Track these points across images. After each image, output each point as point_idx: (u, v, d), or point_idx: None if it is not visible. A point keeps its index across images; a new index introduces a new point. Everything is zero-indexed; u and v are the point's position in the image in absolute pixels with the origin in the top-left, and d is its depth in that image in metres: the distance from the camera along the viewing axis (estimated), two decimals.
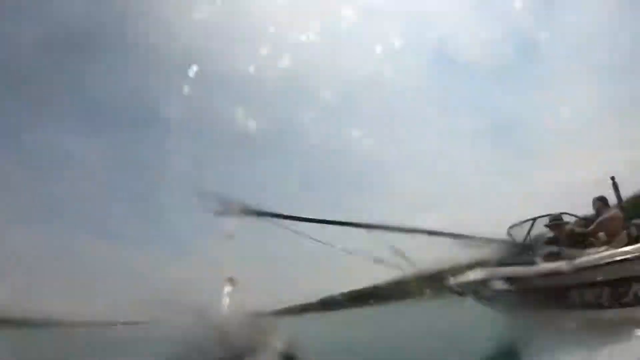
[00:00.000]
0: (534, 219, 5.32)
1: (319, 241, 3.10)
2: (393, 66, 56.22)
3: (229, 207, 2.32)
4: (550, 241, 4.44)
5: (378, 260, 3.57)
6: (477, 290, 5.04)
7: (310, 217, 2.81)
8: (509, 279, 4.07)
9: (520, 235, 5.10)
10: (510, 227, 5.25)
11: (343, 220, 3.28)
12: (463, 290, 5.31)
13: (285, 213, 2.64)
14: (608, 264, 3.22)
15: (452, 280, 5.24)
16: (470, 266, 4.57)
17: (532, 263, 3.99)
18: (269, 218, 2.56)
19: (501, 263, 4.42)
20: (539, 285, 3.67)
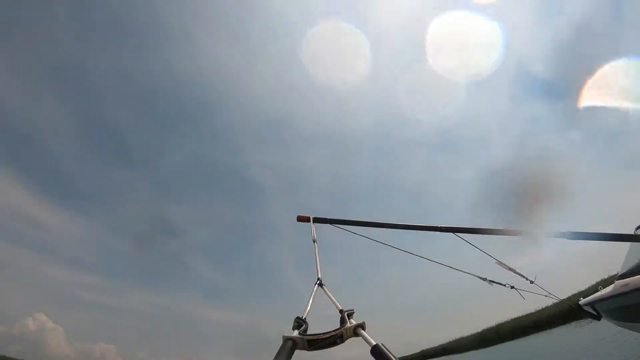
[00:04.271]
0: None
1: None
2: None
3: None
4: None
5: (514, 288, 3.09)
6: (613, 308, 4.00)
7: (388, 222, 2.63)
8: None
9: None
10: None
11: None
12: (597, 310, 4.33)
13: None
14: None
15: (584, 300, 4.43)
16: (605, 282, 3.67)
17: None
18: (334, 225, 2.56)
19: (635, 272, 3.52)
20: None
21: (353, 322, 1.03)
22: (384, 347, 0.85)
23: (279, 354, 0.88)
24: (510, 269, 2.88)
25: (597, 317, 4.19)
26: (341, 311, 1.14)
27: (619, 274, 4.10)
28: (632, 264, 3.92)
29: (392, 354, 0.83)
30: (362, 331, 0.99)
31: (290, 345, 0.93)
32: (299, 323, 1.09)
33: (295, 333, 1.00)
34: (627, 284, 3.41)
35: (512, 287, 3.04)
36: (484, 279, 3.00)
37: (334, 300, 1.42)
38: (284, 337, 0.97)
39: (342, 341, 1.00)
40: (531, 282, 3.08)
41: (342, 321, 1.06)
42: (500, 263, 2.84)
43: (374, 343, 0.88)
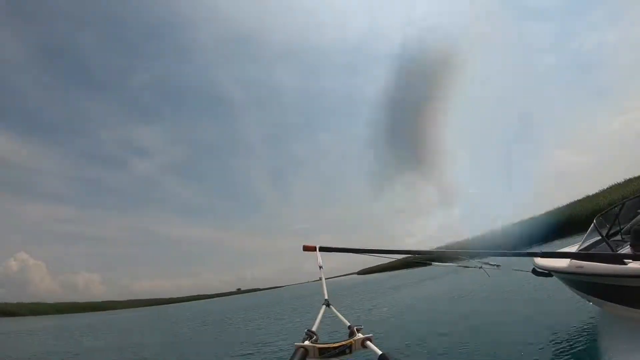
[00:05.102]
0: (623, 202, 4.74)
1: None
2: None
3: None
4: None
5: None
6: (565, 278, 4.84)
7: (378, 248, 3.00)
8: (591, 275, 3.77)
9: (607, 224, 4.61)
10: (598, 216, 4.79)
11: None
12: (550, 274, 5.13)
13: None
14: None
15: (539, 265, 5.10)
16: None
17: (619, 258, 3.60)
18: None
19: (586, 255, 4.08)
20: (628, 285, 3.34)
21: (361, 335, 1.12)
22: (390, 355, 0.93)
23: None
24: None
25: (550, 276, 5.00)
26: (350, 327, 1.23)
27: (578, 248, 4.74)
28: (588, 243, 4.63)
29: None
30: (370, 343, 1.08)
31: (301, 353, 0.99)
32: (310, 335, 1.15)
33: (307, 342, 1.06)
34: (581, 266, 3.88)
35: (480, 267, 3.73)
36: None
37: (341, 317, 1.54)
38: (296, 345, 1.03)
39: (351, 352, 1.07)
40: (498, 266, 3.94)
41: (351, 334, 1.14)
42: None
43: (380, 353, 0.95)
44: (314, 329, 1.23)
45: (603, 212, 4.94)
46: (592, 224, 4.52)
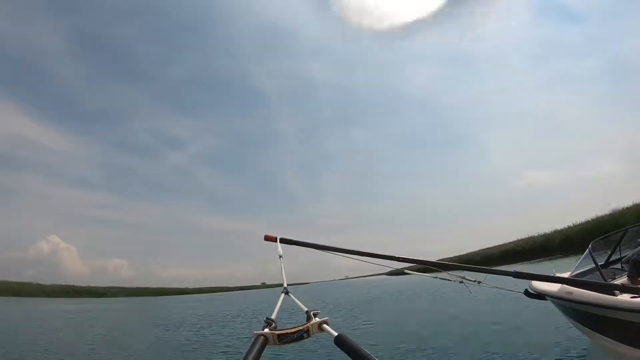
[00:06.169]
0: (626, 229, 4.45)
1: None
2: None
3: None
4: None
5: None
6: (556, 302, 4.56)
7: (342, 247, 2.84)
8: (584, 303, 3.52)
9: (606, 249, 4.33)
10: (595, 241, 4.48)
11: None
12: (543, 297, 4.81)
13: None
14: None
15: (533, 289, 4.78)
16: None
17: (610, 288, 3.33)
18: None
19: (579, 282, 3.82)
20: (615, 317, 3.08)
21: (318, 319, 1.14)
22: (346, 336, 0.95)
23: (251, 348, 0.94)
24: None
25: (543, 299, 4.63)
26: (307, 312, 1.25)
27: (570, 274, 4.54)
28: (580, 270, 4.45)
29: (353, 342, 0.94)
30: (326, 326, 1.11)
31: (261, 341, 1.00)
32: (269, 322, 1.16)
33: (266, 330, 1.07)
34: (570, 293, 3.71)
35: (461, 282, 3.31)
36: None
37: (299, 303, 1.56)
38: (255, 333, 1.04)
39: (309, 335, 1.09)
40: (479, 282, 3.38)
41: (308, 319, 1.17)
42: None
43: (336, 334, 0.98)
44: (272, 316, 1.25)
45: (602, 236, 4.64)
46: (587, 249, 4.24)
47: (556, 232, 37.37)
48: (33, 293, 65.30)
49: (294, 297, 1.73)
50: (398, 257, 3.01)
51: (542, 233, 40.08)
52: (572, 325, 4.88)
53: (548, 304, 4.92)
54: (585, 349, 5.55)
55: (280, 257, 2.44)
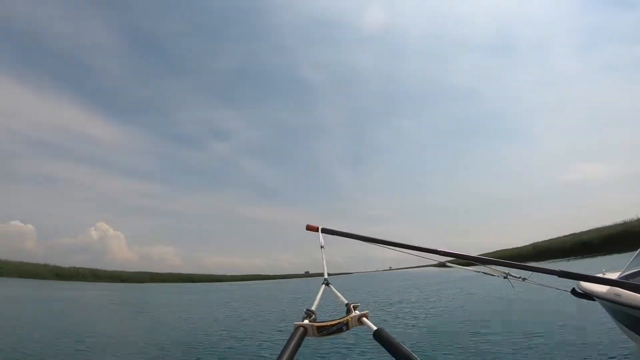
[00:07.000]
0: None
1: None
2: None
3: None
4: None
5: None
6: (603, 304, 4.26)
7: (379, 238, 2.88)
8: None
9: None
10: None
11: None
12: (590, 297, 4.51)
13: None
14: None
15: (580, 288, 4.49)
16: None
17: None
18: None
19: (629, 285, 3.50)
20: None
21: (357, 312, 1.13)
22: (385, 330, 0.94)
23: (290, 339, 0.94)
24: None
25: (591, 299, 4.32)
26: (347, 304, 1.25)
27: (620, 275, 4.23)
28: (631, 271, 4.13)
29: (391, 336, 0.93)
30: (365, 319, 1.09)
31: (301, 332, 1.00)
32: (309, 314, 1.17)
33: (306, 322, 1.08)
34: (619, 295, 3.46)
35: (505, 277, 3.24)
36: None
37: (340, 295, 1.57)
38: (295, 324, 1.04)
39: (348, 328, 1.08)
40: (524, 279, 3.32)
41: (348, 312, 1.16)
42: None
43: (375, 328, 0.97)
44: (313, 308, 1.27)
45: None
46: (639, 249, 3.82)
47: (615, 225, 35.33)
48: (87, 277, 67.74)
49: (334, 289, 1.74)
50: (440, 251, 2.99)
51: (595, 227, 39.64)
52: (617, 329, 4.56)
53: (596, 304, 4.56)
54: (628, 355, 5.20)
55: (321, 247, 2.45)
